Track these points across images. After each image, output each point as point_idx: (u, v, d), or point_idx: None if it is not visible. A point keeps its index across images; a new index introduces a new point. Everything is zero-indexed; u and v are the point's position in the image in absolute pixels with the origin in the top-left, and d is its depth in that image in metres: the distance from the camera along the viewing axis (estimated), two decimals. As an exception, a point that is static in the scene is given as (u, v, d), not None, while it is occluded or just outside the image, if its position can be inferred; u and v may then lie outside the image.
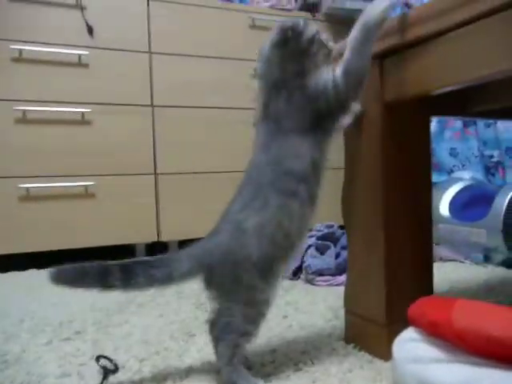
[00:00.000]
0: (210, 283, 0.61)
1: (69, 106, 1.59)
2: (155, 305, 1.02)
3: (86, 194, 1.61)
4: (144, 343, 0.78)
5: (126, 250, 1.70)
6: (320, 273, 1.16)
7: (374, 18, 0.60)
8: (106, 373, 0.64)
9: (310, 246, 1.23)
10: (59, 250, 1.58)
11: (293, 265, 1.22)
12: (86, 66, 1.62)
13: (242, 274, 0.59)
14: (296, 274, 1.22)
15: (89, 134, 1.62)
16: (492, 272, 1.22)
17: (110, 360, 0.67)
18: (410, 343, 0.53)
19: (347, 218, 0.74)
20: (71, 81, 1.60)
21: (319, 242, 1.22)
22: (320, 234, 1.25)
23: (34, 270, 1.51)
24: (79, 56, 1.60)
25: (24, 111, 1.53)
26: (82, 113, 1.60)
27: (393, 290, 0.67)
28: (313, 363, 0.66)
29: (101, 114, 1.63)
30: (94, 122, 1.62)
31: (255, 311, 0.60)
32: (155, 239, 1.71)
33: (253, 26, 1.87)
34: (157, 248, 1.75)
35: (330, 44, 0.66)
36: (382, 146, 0.65)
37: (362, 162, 0.69)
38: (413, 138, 0.68)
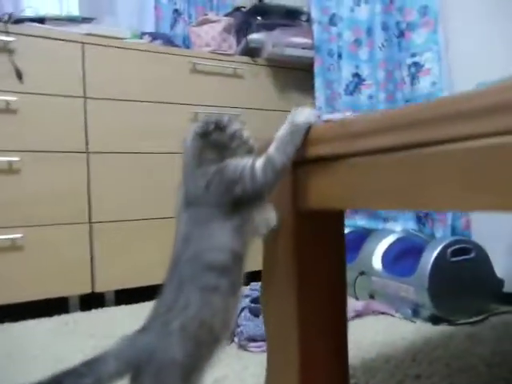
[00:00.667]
0: (135, 382, 0.60)
1: (-4, 154, 1.51)
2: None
3: (14, 247, 1.52)
4: None
5: (59, 303, 1.63)
6: (253, 338, 1.15)
7: (301, 121, 0.62)
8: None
9: (243, 309, 1.22)
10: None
11: (226, 328, 1.21)
12: (14, 111, 1.55)
13: (165, 379, 0.58)
14: (229, 337, 1.20)
15: (17, 183, 1.54)
16: (418, 327, 1.26)
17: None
18: None
19: (265, 318, 0.74)
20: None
21: (252, 304, 1.22)
22: (255, 294, 1.25)
23: (-47, 332, 1.40)
24: (7, 102, 1.53)
25: None
26: (9, 161, 1.52)
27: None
28: None
29: (31, 163, 1.56)
30: (23, 170, 1.55)
31: None
32: (90, 290, 1.64)
33: (193, 71, 1.87)
34: (92, 299, 1.69)
35: (252, 141, 0.68)
36: (296, 252, 0.66)
37: (278, 266, 0.70)
38: (327, 243, 0.69)
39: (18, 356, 1.18)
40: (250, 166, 0.62)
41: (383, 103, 1.75)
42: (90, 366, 0.58)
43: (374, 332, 1.24)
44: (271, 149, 0.62)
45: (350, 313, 1.35)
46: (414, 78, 1.58)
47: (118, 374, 0.58)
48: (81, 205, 1.64)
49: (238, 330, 1.18)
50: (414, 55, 1.58)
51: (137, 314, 1.51)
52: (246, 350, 1.15)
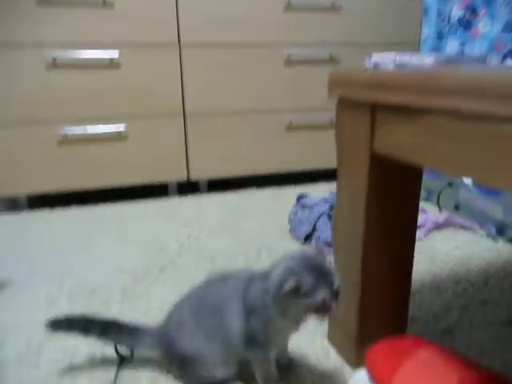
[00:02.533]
0: (165, 359, 0.76)
1: (97, 48, 1.60)
2: (174, 269, 1.15)
3: (119, 137, 1.69)
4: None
5: (159, 188, 1.83)
6: (329, 243, 1.22)
7: None
8: (122, 361, 0.78)
9: (322, 214, 1.29)
10: (98, 189, 1.73)
11: (305, 230, 1.30)
12: (111, 5, 1.58)
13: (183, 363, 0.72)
14: (307, 239, 1.29)
15: (118, 77, 1.64)
16: (499, 248, 1.24)
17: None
18: (361, 387, 0.62)
19: (334, 237, 0.79)
20: (98, 23, 1.58)
21: (331, 211, 1.27)
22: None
23: (76, 207, 1.68)
24: (103, -5, 1.56)
25: (54, 58, 1.56)
26: (110, 56, 1.61)
27: (365, 314, 0.74)
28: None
29: (129, 56, 1.63)
30: (123, 64, 1.63)
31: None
32: (185, 178, 1.81)
33: (287, -51, 1.69)
34: (187, 186, 1.86)
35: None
36: (366, 195, 0.67)
37: (347, 201, 0.72)
38: (400, 192, 0.69)
39: (129, 236, 1.39)
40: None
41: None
42: (132, 331, 0.76)
43: (451, 247, 1.25)
44: None
45: (429, 224, 1.35)
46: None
47: (148, 348, 0.76)
48: (176, 97, 1.72)
49: (316, 233, 1.26)
50: None
51: (225, 203, 1.67)
52: (321, 252, 1.23)
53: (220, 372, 0.71)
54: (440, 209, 1.48)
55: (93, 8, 1.56)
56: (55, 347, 0.84)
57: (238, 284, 0.69)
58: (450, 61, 0.59)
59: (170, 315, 0.75)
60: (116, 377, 0.75)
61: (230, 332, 0.68)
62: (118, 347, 0.81)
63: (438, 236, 1.33)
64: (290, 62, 1.81)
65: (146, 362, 0.80)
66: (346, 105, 0.70)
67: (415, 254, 1.19)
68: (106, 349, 0.82)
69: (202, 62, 1.71)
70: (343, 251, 0.77)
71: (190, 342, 0.70)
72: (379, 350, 0.63)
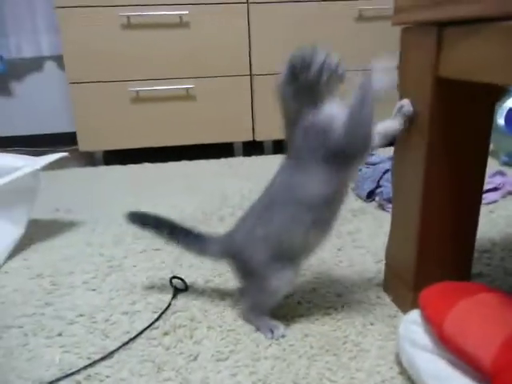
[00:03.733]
0: (232, 268, 0.75)
1: (168, 8, 1.63)
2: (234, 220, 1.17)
3: (187, 96, 1.73)
4: (212, 263, 0.94)
5: (225, 148, 1.86)
6: (391, 200, 1.17)
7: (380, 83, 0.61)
8: (176, 292, 0.82)
9: (386, 171, 1.23)
10: (167, 147, 1.79)
11: (368, 186, 1.25)
12: (181, -37, 1.60)
13: (251, 269, 0.70)
14: (370, 196, 1.25)
15: (187, 36, 1.67)
16: None
17: (183, 280, 0.85)
18: (412, 326, 0.59)
19: (395, 180, 0.75)
20: (168, -19, 1.61)
21: (397, 168, 1.21)
22: (401, 157, 1.22)
23: (147, 163, 1.75)
24: (174, -47, 1.58)
25: (128, 17, 1.62)
26: (180, 15, 1.64)
27: (424, 259, 0.70)
28: (343, 309, 0.76)
29: (198, 15, 1.65)
30: (192, 23, 1.66)
31: (265, 298, 0.70)
32: (251, 138, 1.81)
33: None
34: (252, 147, 1.87)
35: (341, 68, 0.65)
36: (429, 122, 0.62)
37: (411, 132, 0.67)
38: (469, 120, 0.63)
39: (194, 189, 1.44)
40: (339, 118, 0.62)
41: None
42: (199, 238, 0.76)
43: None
44: (350, 107, 0.62)
45: (507, 187, 1.24)
46: None
47: (215, 256, 0.75)
48: (243, 58, 1.72)
49: (379, 190, 1.21)
50: None
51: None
52: (383, 209, 1.18)
53: (284, 286, 0.70)
54: (523, 172, 1.35)
55: (164, -34, 1.59)
56: (118, 277, 0.90)
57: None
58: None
59: (238, 226, 0.74)
60: (169, 304, 0.78)
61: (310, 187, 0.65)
62: (173, 280, 0.84)
63: (520, 198, 1.22)
64: (361, 17, 1.72)
65: (200, 294, 0.82)
66: (410, 31, 0.65)
67: (489, 215, 1.11)
68: (164, 281, 0.86)
69: (269, 21, 1.69)
70: (403, 192, 0.73)
71: (261, 253, 0.68)
72: (434, 290, 0.60)
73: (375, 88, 0.60)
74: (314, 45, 0.65)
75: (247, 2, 1.66)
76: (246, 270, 0.72)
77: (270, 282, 0.68)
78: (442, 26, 0.57)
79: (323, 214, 0.66)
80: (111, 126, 1.72)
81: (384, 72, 0.60)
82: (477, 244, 0.96)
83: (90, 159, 1.85)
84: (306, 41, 1.67)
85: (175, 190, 1.43)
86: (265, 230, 0.68)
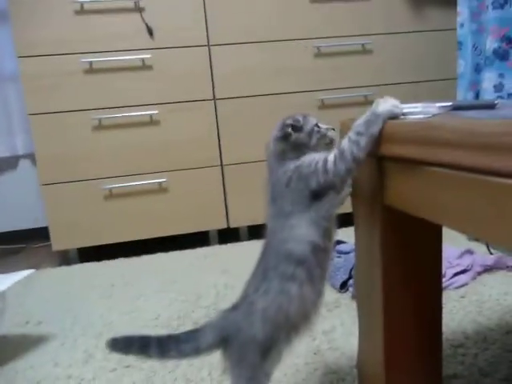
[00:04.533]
0: (224, 354, 0.70)
1: (138, 109, 1.70)
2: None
3: (160, 189, 1.76)
4: (186, 381, 0.91)
5: (200, 237, 1.86)
6: (365, 291, 1.17)
7: (381, 111, 0.59)
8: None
9: (358, 261, 1.24)
10: (142, 240, 1.79)
11: (341, 277, 1.26)
12: (149, 67, 1.69)
13: (246, 353, 0.67)
14: (344, 286, 1.25)
15: (158, 133, 1.73)
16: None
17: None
18: None
19: (357, 294, 0.76)
20: (138, 84, 1.69)
21: (366, 258, 1.22)
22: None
23: (122, 258, 1.74)
24: (142, 60, 1.68)
25: (100, 119, 1.68)
26: (150, 115, 1.70)
27: (392, 367, 0.70)
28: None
29: (168, 113, 1.72)
30: (162, 121, 1.72)
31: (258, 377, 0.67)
32: (225, 226, 1.83)
33: (314, 1, 1.75)
34: (228, 234, 1.88)
35: (330, 133, 0.70)
36: (381, 246, 0.65)
37: (364, 252, 0.69)
38: (420, 241, 0.66)
39: (168, 287, 1.42)
40: (323, 159, 0.62)
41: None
42: (191, 335, 0.70)
43: (501, 292, 1.15)
44: (345, 140, 0.61)
45: (476, 267, 1.27)
46: None
47: (214, 345, 0.68)
48: (213, 149, 1.78)
49: (351, 281, 1.22)
50: None
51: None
52: (358, 301, 1.18)
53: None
54: (489, 250, 1.38)
55: (133, 71, 1.67)
56: (85, 405, 0.86)
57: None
58: (456, 108, 0.57)
59: (236, 304, 0.70)
60: None
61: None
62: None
63: (487, 279, 1.23)
64: (323, 106, 1.82)
65: None
66: (355, 156, 0.70)
67: (461, 301, 1.12)
68: None
69: (237, 114, 1.77)
70: (365, 305, 0.74)
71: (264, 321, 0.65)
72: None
73: (381, 110, 0.59)
74: (303, 112, 0.70)
75: (214, 99, 1.75)
76: (238, 355, 0.68)
77: (261, 366, 0.66)
78: (381, 159, 0.61)
79: (313, 265, 0.65)
80: (85, 223, 1.73)
81: (390, 100, 0.60)
82: (450, 337, 0.97)
83: (65, 257, 1.83)
84: (271, 130, 1.72)
85: (149, 289, 1.41)
86: (264, 301, 0.65)
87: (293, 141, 0.68)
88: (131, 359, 1.00)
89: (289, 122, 0.68)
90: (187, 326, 1.14)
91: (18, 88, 2.07)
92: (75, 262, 1.78)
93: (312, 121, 0.69)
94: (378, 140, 0.59)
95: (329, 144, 0.69)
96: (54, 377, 0.96)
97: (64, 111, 1.66)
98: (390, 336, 0.69)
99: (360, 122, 0.60)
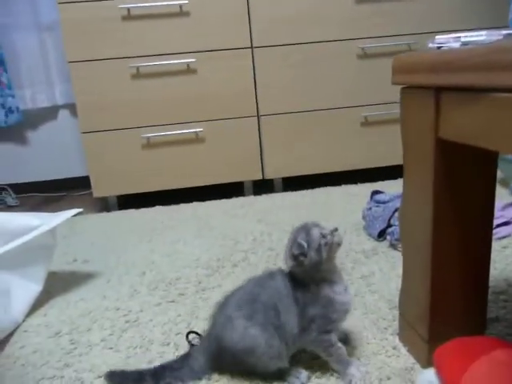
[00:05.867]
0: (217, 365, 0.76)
1: (176, 57, 1.69)
2: (246, 265, 1.18)
3: (197, 139, 1.77)
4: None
5: (236, 187, 1.88)
6: (404, 239, 1.17)
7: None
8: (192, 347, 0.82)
9: (397, 209, 1.23)
10: (179, 189, 1.82)
11: (379, 226, 1.25)
12: (187, 14, 1.66)
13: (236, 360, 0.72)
14: (381, 235, 1.25)
15: (195, 82, 1.72)
16: None
17: (199, 335, 0.86)
18: (427, 386, 0.59)
19: (403, 235, 0.75)
20: (176, 32, 1.67)
21: (406, 207, 1.21)
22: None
23: (160, 206, 1.79)
24: (180, 5, 1.65)
25: (138, 67, 1.68)
26: (187, 63, 1.69)
27: (437, 310, 0.70)
28: (359, 361, 0.76)
29: (205, 62, 1.71)
30: (199, 70, 1.71)
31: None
32: (260, 177, 1.84)
33: None
34: (262, 185, 1.89)
35: (336, 238, 0.72)
36: (434, 179, 0.64)
37: (414, 195, 0.68)
38: (472, 176, 0.64)
39: (206, 233, 1.45)
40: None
41: None
42: (183, 361, 0.76)
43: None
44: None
45: (520, 220, 1.24)
46: None
47: (206, 366, 0.75)
48: (249, 99, 1.76)
49: (390, 229, 1.21)
50: None
51: (299, 201, 1.67)
52: (395, 249, 1.19)
53: (274, 364, 0.71)
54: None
55: (171, 18, 1.65)
56: (135, 333, 0.91)
57: (284, 279, 0.74)
58: (522, 34, 0.54)
59: (214, 320, 0.76)
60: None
61: (288, 329, 0.70)
62: (189, 335, 0.85)
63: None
64: (363, 55, 1.76)
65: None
66: (409, 91, 0.67)
67: (503, 251, 1.11)
68: (180, 336, 0.87)
69: (274, 64, 1.74)
70: (412, 246, 0.73)
71: (243, 337, 0.70)
72: (449, 348, 0.60)
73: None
74: (306, 226, 0.73)
75: (251, 47, 1.71)
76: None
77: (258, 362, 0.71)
78: (439, 90, 0.59)
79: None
80: (124, 171, 1.77)
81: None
82: (492, 285, 0.96)
83: (105, 204, 1.89)
84: (308, 81, 1.70)
85: (188, 234, 1.45)
86: (245, 323, 0.71)
87: (306, 264, 0.70)
88: (174, 295, 1.05)
89: (295, 252, 0.70)
90: (227, 268, 1.17)
91: (55, 37, 2.08)
92: (115, 209, 1.84)
93: (315, 234, 0.71)
94: (436, 70, 0.57)
95: (337, 247, 0.72)
96: (104, 308, 1.02)
97: (103, 59, 1.67)
98: (436, 275, 0.69)
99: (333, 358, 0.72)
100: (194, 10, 1.66)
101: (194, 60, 1.69)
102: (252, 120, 1.78)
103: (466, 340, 0.61)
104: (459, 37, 0.59)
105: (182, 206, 1.78)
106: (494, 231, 1.20)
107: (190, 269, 1.19)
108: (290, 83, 1.76)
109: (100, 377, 0.78)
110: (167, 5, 1.63)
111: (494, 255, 1.10)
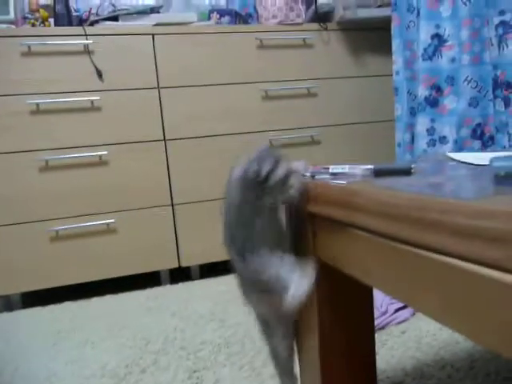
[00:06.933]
0: None
1: (87, 150, 1.69)
2: (155, 369, 1.14)
3: (109, 230, 1.74)
4: None
5: (152, 276, 1.84)
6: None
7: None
8: None
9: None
10: (91, 282, 1.75)
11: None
12: (98, 109, 1.70)
13: None
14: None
15: (107, 174, 1.72)
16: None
17: None
18: None
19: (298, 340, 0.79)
20: (86, 126, 1.69)
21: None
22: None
23: (69, 302, 1.69)
24: (91, 101, 1.68)
25: (46, 160, 1.65)
26: (100, 155, 1.70)
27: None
28: None
29: (117, 154, 1.72)
30: (111, 162, 1.72)
31: None
32: (177, 265, 1.83)
33: (261, 46, 1.84)
34: (179, 273, 1.88)
35: (293, 191, 0.63)
36: (317, 297, 0.68)
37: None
38: (351, 299, 0.70)
39: (116, 332, 1.39)
40: None
41: (467, 67, 1.58)
42: None
43: (437, 328, 1.22)
44: None
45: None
46: (501, 42, 1.38)
47: None
48: (163, 189, 1.79)
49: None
50: (502, 13, 1.37)
51: (215, 289, 1.67)
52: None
53: None
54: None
55: (82, 113, 1.67)
56: None
57: None
58: (377, 171, 0.63)
59: None
60: None
61: None
62: None
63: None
64: (271, 146, 1.89)
65: None
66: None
67: (401, 336, 1.18)
68: None
69: (186, 154, 1.80)
70: (304, 350, 0.77)
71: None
72: None
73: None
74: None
75: (164, 140, 1.77)
76: None
77: None
78: (313, 215, 0.66)
79: None
80: (29, 265, 1.67)
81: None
82: (391, 374, 1.02)
83: (7, 302, 1.75)
84: (221, 169, 1.74)
85: (97, 335, 1.37)
86: None
87: (252, 190, 0.63)
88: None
89: (251, 170, 0.62)
90: (134, 375, 1.12)
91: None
92: (18, 308, 1.71)
93: (280, 171, 0.63)
94: (309, 198, 0.64)
95: (287, 198, 0.65)
96: None
97: (9, 152, 1.62)
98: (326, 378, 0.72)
99: None
100: (106, 105, 1.70)
101: (105, 152, 1.70)
102: (166, 209, 1.80)
103: None
104: (328, 168, 0.67)
105: (94, 300, 1.70)
106: (394, 316, 1.28)
107: (95, 379, 1.12)
108: (202, 173, 1.82)
109: None
110: (78, 100, 1.66)
111: (393, 341, 1.17)
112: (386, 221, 0.47)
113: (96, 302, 1.68)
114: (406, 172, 0.60)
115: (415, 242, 0.44)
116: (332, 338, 0.71)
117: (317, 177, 0.67)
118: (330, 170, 0.67)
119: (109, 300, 1.69)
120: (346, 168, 0.66)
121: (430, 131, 1.64)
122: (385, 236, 0.49)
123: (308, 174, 0.68)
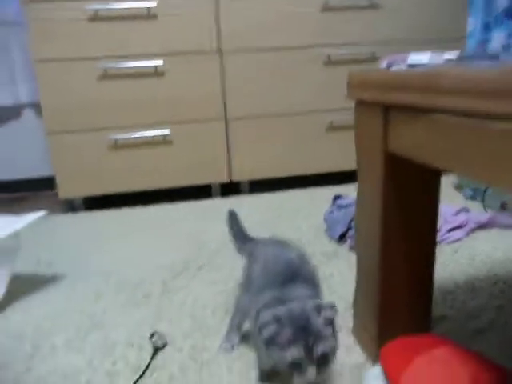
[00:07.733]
0: None
1: (143, 59, 1.69)
2: (211, 267, 1.21)
3: (164, 141, 1.78)
4: (191, 317, 0.97)
5: (203, 189, 1.90)
6: (362, 242, 1.23)
7: None
8: (156, 350, 0.85)
9: (357, 214, 1.29)
10: (146, 191, 1.83)
11: (340, 229, 1.31)
12: (154, 16, 1.67)
13: None
14: (342, 238, 1.30)
15: (162, 84, 1.73)
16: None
17: (162, 336, 0.88)
18: (373, 381, 0.63)
19: (356, 239, 0.80)
20: (143, 34, 1.68)
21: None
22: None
23: (127, 208, 1.79)
24: (148, 8, 1.65)
25: (105, 68, 1.67)
26: (155, 66, 1.70)
27: (385, 310, 0.75)
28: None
29: (173, 64, 1.72)
30: (167, 72, 1.72)
31: None
32: (228, 180, 1.87)
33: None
34: (230, 187, 1.92)
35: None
36: (382, 195, 0.68)
37: (366, 203, 0.73)
38: (418, 193, 0.69)
39: (172, 235, 1.47)
40: None
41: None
42: None
43: (492, 247, 1.21)
44: None
45: (470, 224, 1.31)
46: None
47: None
48: (217, 103, 1.79)
49: (350, 233, 1.27)
50: None
51: (265, 203, 1.71)
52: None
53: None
54: (485, 208, 1.43)
55: (138, 20, 1.66)
56: (99, 335, 0.92)
57: None
58: (462, 59, 0.59)
59: None
60: (148, 364, 0.81)
61: None
62: (153, 337, 0.87)
63: (480, 236, 1.29)
64: (329, 62, 1.82)
65: (179, 351, 0.85)
66: (362, 106, 0.72)
67: (454, 255, 1.18)
68: (143, 338, 0.89)
69: (241, 68, 1.77)
70: (364, 249, 0.78)
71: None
72: (393, 346, 0.64)
73: None
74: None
75: (220, 51, 1.74)
76: None
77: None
78: (387, 107, 0.64)
79: None
80: (90, 172, 1.76)
81: None
82: (441, 285, 1.03)
83: (70, 205, 1.88)
84: (276, 85, 1.72)
85: (154, 236, 1.46)
86: None
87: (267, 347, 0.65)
88: (139, 298, 1.07)
89: (272, 329, 0.63)
90: (191, 270, 1.19)
91: (20, 33, 2.04)
92: (81, 210, 1.83)
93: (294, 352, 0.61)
94: (384, 89, 0.62)
95: None
96: (68, 311, 1.03)
97: (69, 59, 1.65)
98: (385, 278, 0.74)
99: None
100: (162, 13, 1.67)
101: (161, 63, 1.70)
102: (220, 123, 1.81)
103: (409, 338, 0.66)
104: (406, 58, 0.64)
105: (150, 207, 1.78)
106: (447, 235, 1.28)
107: (154, 271, 1.20)
108: (257, 87, 1.79)
109: (63, 378, 0.79)
110: (135, 7, 1.64)
111: (445, 258, 1.17)
112: (476, 99, 0.45)
113: (152, 209, 1.77)
114: (494, 57, 0.56)
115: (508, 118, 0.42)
116: (395, 241, 0.71)
117: (393, 67, 0.64)
118: (409, 62, 0.64)
119: (164, 207, 1.77)
120: (426, 58, 0.62)
121: (506, 48, 1.51)
122: (475, 116, 0.46)
123: (384, 66, 0.66)
